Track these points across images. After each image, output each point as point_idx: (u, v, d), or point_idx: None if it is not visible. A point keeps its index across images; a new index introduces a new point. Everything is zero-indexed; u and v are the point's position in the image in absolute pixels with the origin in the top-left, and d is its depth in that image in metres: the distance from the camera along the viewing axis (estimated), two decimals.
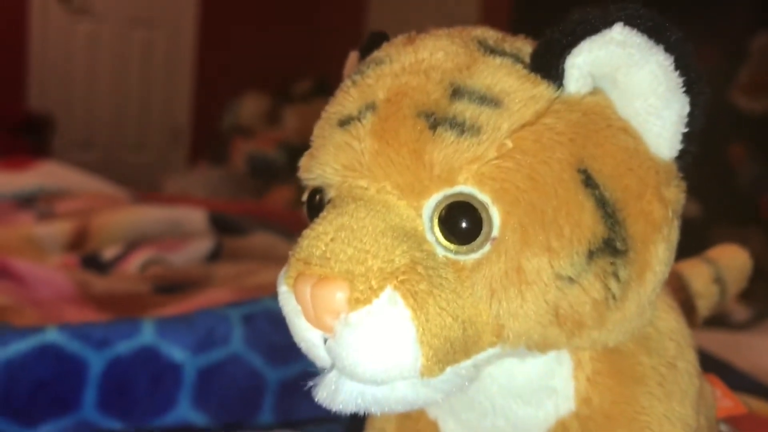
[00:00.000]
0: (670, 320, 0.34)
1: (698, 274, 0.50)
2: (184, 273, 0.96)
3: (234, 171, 3.17)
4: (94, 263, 1.01)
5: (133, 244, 1.06)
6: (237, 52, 3.72)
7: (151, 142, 3.81)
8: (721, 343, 0.86)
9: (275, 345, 0.58)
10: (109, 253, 1.04)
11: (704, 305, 0.50)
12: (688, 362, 0.34)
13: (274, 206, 1.73)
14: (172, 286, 0.91)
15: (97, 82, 3.61)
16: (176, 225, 1.18)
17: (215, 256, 1.07)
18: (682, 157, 0.31)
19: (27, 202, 1.36)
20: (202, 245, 1.08)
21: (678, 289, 0.48)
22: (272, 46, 3.75)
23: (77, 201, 1.34)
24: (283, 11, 3.83)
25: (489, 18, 2.93)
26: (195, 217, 1.21)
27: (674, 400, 0.32)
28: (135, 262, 1.02)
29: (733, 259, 0.51)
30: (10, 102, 3.33)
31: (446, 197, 0.28)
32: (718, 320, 1.00)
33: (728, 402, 0.44)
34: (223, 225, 1.21)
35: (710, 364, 0.71)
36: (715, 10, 2.36)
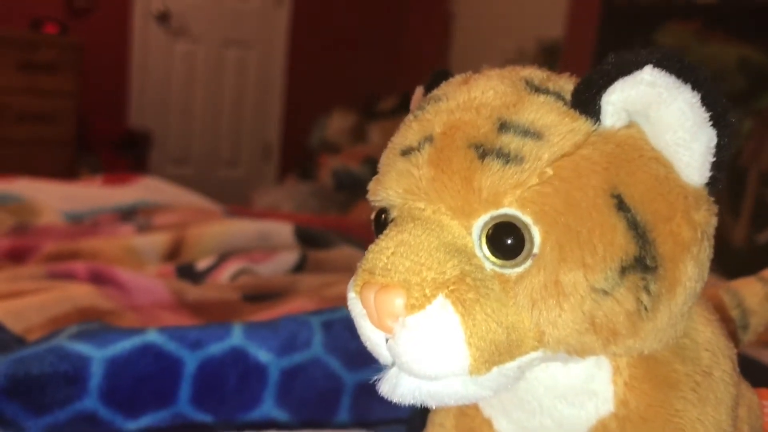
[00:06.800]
0: (706, 332, 0.37)
1: (752, 292, 0.52)
2: (271, 283, 1.01)
3: (321, 186, 3.25)
4: (188, 273, 1.07)
5: (225, 256, 1.12)
6: (325, 71, 3.81)
7: (243, 158, 3.93)
8: None
9: (352, 350, 0.62)
10: (202, 263, 1.10)
11: (758, 322, 0.51)
12: (724, 371, 0.36)
13: (357, 221, 1.78)
14: (259, 295, 0.96)
15: (193, 100, 3.76)
16: (265, 238, 1.24)
17: (300, 267, 1.12)
18: (712, 184, 0.34)
19: (127, 214, 1.45)
20: (289, 257, 1.13)
21: (731, 307, 0.50)
22: (359, 65, 3.83)
23: (173, 214, 1.42)
24: (369, 31, 3.91)
25: (575, 39, 2.92)
26: (282, 230, 1.27)
27: (708, 405, 0.35)
28: (226, 272, 1.07)
29: None
30: (113, 120, 3.50)
31: (493, 218, 0.32)
32: None
33: None
34: (308, 238, 1.26)
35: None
36: None
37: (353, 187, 3.05)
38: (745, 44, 2.39)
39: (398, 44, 3.91)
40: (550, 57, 3.04)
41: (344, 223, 1.61)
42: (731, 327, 0.49)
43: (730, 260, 2.31)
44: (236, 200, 2.82)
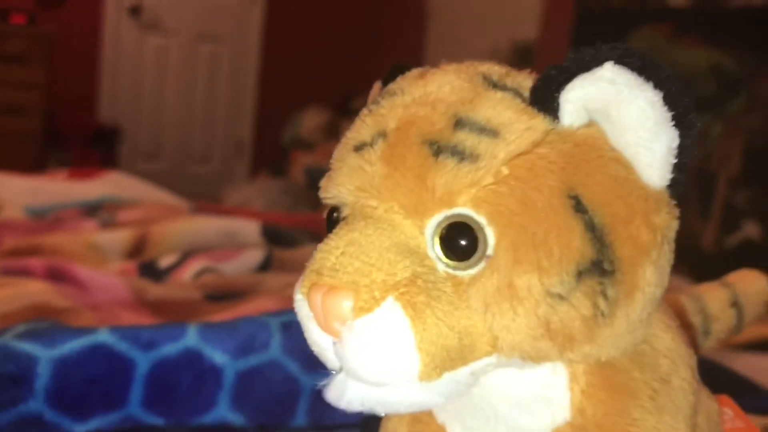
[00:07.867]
0: (666, 339, 0.36)
1: (715, 298, 0.51)
2: (234, 282, 1.00)
3: (293, 183, 3.23)
4: (151, 271, 1.06)
5: (188, 254, 1.10)
6: (299, 67, 3.79)
7: (215, 154, 3.90)
8: None
9: (311, 353, 0.61)
10: (165, 261, 1.08)
11: (720, 329, 0.51)
12: (683, 379, 0.35)
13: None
14: (222, 295, 0.94)
15: (165, 95, 3.72)
16: (230, 236, 1.23)
17: (266, 266, 1.11)
18: (673, 186, 0.33)
19: (92, 210, 1.42)
20: (254, 256, 1.11)
21: (693, 313, 0.50)
22: (333, 62, 3.82)
23: (138, 210, 1.40)
24: (344, 28, 3.90)
25: (548, 41, 2.93)
26: (248, 228, 1.25)
27: (666, 413, 0.34)
28: (189, 270, 1.06)
29: (751, 285, 0.52)
30: (83, 114, 3.46)
31: (446, 218, 0.31)
32: None
33: (740, 423, 0.45)
34: (274, 237, 1.25)
35: (738, 385, 0.71)
36: None
37: None
38: (717, 49, 2.41)
39: (373, 42, 3.90)
40: (523, 58, 3.05)
41: (313, 221, 1.59)
42: (691, 333, 0.48)
43: (700, 264, 2.33)
44: (207, 196, 2.79)
